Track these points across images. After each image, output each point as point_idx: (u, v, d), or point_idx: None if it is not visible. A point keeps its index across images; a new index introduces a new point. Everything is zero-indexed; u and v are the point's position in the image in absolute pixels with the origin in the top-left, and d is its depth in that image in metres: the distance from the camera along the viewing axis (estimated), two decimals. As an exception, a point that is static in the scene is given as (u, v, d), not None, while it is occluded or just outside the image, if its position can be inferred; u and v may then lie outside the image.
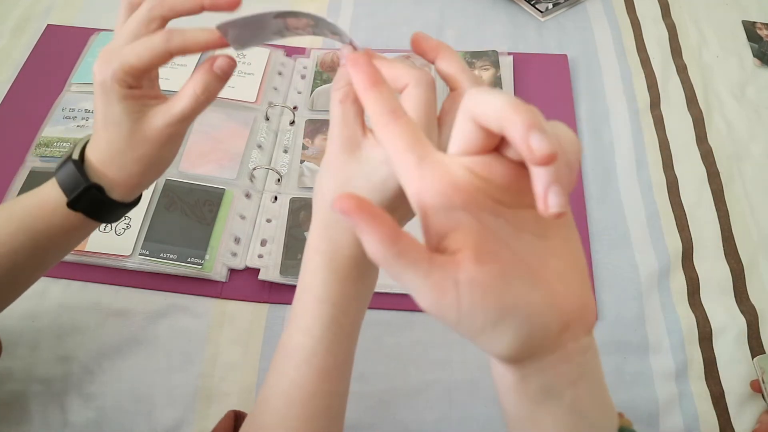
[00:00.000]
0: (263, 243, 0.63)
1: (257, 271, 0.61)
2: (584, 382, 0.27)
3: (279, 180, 0.68)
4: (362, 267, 0.35)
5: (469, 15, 0.85)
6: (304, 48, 0.80)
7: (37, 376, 0.56)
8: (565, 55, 0.80)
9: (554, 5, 0.85)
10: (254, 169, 0.67)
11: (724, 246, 0.65)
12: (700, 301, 0.61)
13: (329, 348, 0.35)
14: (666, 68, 0.79)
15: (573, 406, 0.27)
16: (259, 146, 0.70)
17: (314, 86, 0.75)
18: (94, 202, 0.41)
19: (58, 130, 0.70)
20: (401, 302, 0.59)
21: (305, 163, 0.69)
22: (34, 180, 0.66)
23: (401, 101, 0.31)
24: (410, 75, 0.31)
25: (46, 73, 0.77)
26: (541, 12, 0.85)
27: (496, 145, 0.26)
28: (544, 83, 0.77)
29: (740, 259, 0.64)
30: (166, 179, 0.66)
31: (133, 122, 0.39)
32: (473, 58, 0.78)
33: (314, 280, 0.35)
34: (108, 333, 0.58)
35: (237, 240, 0.63)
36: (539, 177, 0.23)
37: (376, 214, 0.23)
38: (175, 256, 0.61)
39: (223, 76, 0.38)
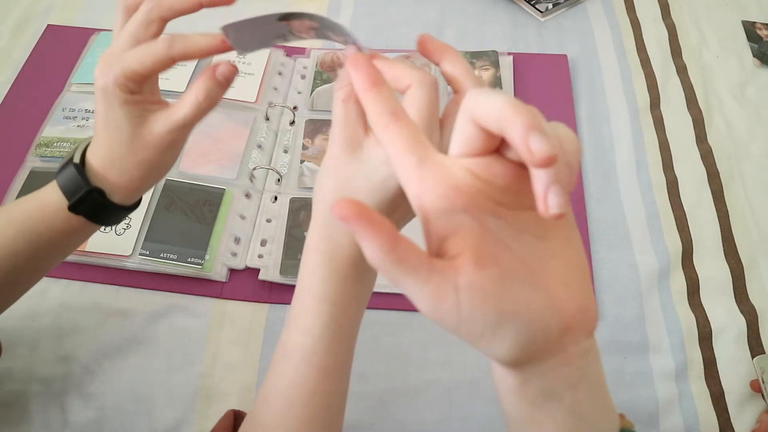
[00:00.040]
0: (263, 243, 0.63)
1: (257, 271, 0.61)
2: (585, 385, 0.27)
3: (279, 180, 0.68)
4: (361, 266, 0.35)
5: (469, 15, 0.85)
6: (304, 48, 0.80)
7: (37, 376, 0.56)
8: (565, 56, 0.80)
9: (554, 5, 0.85)
10: (254, 169, 0.67)
11: (724, 246, 0.65)
12: (700, 301, 0.61)
13: (329, 347, 0.35)
14: (666, 68, 0.79)
15: (573, 408, 0.27)
16: (259, 146, 0.70)
17: (314, 86, 0.75)
18: (95, 206, 0.41)
19: (58, 130, 0.70)
20: (401, 302, 0.59)
21: (305, 163, 0.69)
22: (34, 180, 0.66)
23: (404, 102, 0.31)
24: (413, 76, 0.31)
25: (46, 73, 0.77)
26: (541, 12, 0.85)
27: (497, 146, 0.26)
28: (544, 83, 0.77)
29: (740, 259, 0.64)
30: (166, 179, 0.66)
31: (134, 127, 0.39)
32: (473, 58, 0.78)
33: (313, 279, 0.35)
34: (108, 333, 0.58)
35: (237, 240, 0.63)
36: (539, 178, 0.23)
37: (374, 220, 0.23)
38: (175, 256, 0.61)
39: (225, 83, 0.38)
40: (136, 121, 0.39)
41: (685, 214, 0.67)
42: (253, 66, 0.76)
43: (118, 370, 0.57)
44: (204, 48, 0.36)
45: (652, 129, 0.74)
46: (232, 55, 0.77)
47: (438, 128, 0.33)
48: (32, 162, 0.68)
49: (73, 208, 0.41)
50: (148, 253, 0.61)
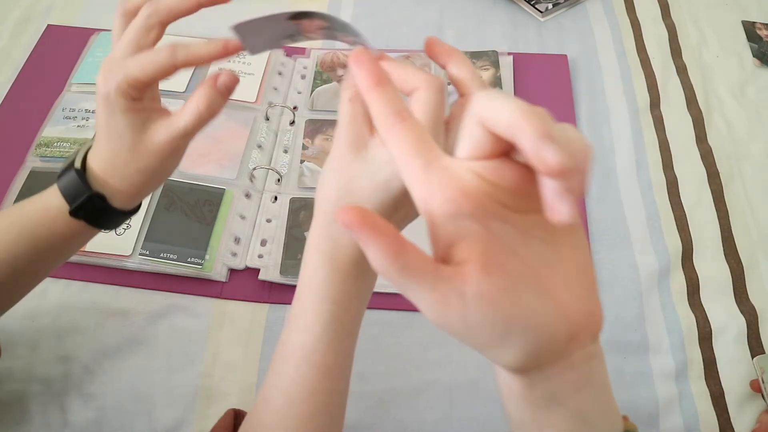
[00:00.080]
0: (263, 243, 0.63)
1: (257, 271, 0.61)
2: (589, 389, 0.27)
3: (279, 180, 0.68)
4: (363, 265, 0.35)
5: (469, 15, 0.85)
6: (304, 48, 0.80)
7: (37, 376, 0.56)
8: (565, 56, 0.80)
9: (554, 5, 0.85)
10: (254, 169, 0.67)
11: (723, 246, 0.65)
12: (700, 301, 0.61)
13: (330, 345, 0.35)
14: (666, 68, 0.79)
15: (578, 412, 0.27)
16: (259, 146, 0.70)
17: (314, 86, 0.75)
18: (95, 210, 0.42)
19: (58, 130, 0.70)
20: (401, 302, 0.59)
21: (305, 163, 0.69)
22: (35, 180, 0.66)
23: (410, 104, 0.31)
24: (421, 78, 0.31)
25: (46, 73, 0.77)
26: (541, 12, 0.85)
27: (505, 149, 0.26)
28: (544, 83, 0.77)
29: (740, 259, 0.64)
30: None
31: (135, 134, 0.39)
32: (473, 58, 0.78)
33: (315, 278, 0.35)
34: (108, 333, 0.58)
35: (237, 240, 0.63)
36: (550, 187, 0.22)
37: (379, 227, 0.23)
38: (175, 256, 0.61)
39: (226, 92, 0.38)
40: (137, 128, 0.39)
41: (685, 214, 0.67)
42: (253, 66, 0.76)
43: (118, 370, 0.57)
44: (206, 56, 0.37)
45: (652, 129, 0.74)
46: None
47: (443, 131, 0.32)
48: (32, 162, 0.68)
49: (74, 212, 0.41)
50: (148, 253, 0.61)
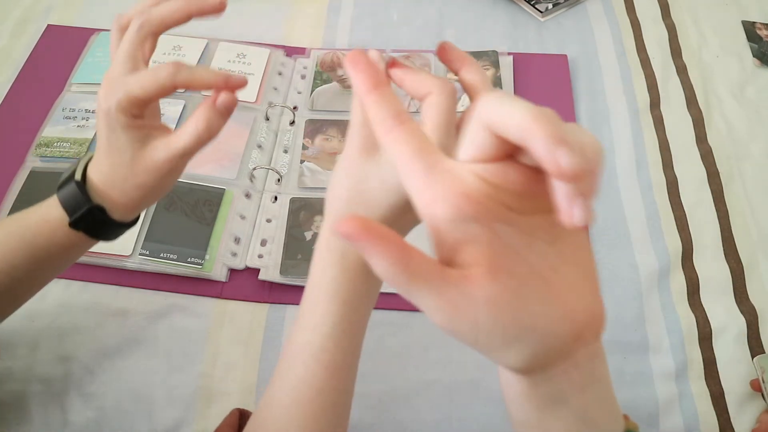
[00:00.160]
0: (263, 243, 0.63)
1: (257, 271, 0.61)
2: (592, 388, 0.27)
3: (279, 180, 0.68)
4: None
5: (469, 15, 0.85)
6: (304, 48, 0.80)
7: (37, 376, 0.56)
8: (565, 56, 0.80)
9: (554, 5, 0.85)
10: (254, 169, 0.67)
11: (723, 246, 0.65)
12: (700, 301, 0.61)
13: (338, 344, 0.35)
14: (666, 68, 0.79)
15: (581, 411, 0.27)
16: (259, 146, 0.70)
17: (314, 86, 0.75)
18: (95, 222, 0.42)
19: (58, 130, 0.70)
20: (402, 302, 0.59)
21: (305, 163, 0.69)
22: (35, 180, 0.66)
23: (424, 108, 0.31)
24: (434, 83, 0.31)
25: (46, 73, 0.77)
26: (541, 12, 0.85)
27: (507, 151, 0.25)
28: (544, 83, 0.77)
29: (740, 259, 0.64)
30: (166, 179, 0.66)
31: (135, 151, 0.39)
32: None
33: (324, 277, 0.35)
34: (108, 333, 0.58)
35: (237, 240, 0.63)
36: (564, 191, 0.22)
37: (382, 236, 0.22)
38: (175, 256, 0.61)
39: (226, 113, 0.39)
40: (137, 145, 0.39)
41: (685, 214, 0.67)
42: (253, 66, 0.76)
43: (118, 370, 0.57)
44: (206, 83, 0.37)
45: (652, 129, 0.74)
46: (232, 56, 0.77)
47: (454, 135, 0.32)
48: (32, 162, 0.68)
49: (74, 224, 0.41)
50: (148, 253, 0.61)
